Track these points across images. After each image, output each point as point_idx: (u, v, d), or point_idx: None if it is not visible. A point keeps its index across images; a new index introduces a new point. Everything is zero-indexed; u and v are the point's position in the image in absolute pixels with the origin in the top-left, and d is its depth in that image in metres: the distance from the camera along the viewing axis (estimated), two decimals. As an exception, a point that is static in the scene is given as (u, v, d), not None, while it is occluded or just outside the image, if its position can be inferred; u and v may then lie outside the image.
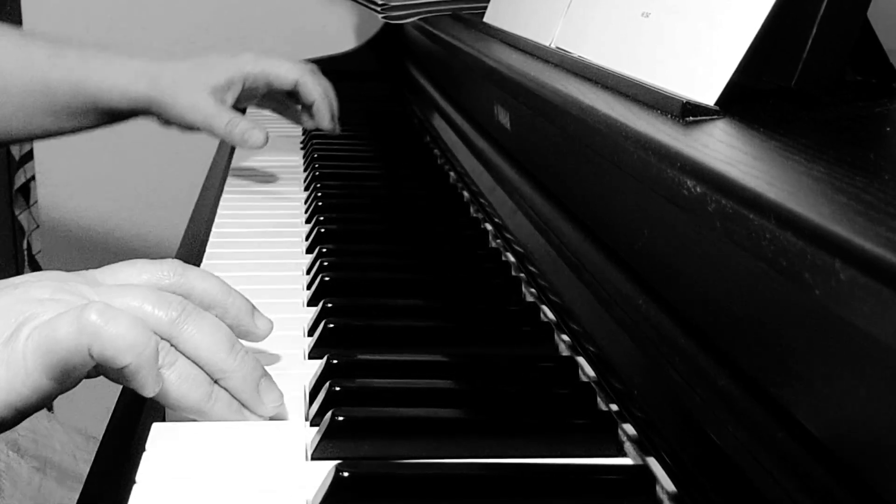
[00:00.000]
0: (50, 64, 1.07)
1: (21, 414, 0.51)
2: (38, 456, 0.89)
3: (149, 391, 0.51)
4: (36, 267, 1.94)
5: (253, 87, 1.12)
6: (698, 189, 0.45)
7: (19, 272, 2.18)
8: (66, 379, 0.51)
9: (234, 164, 1.19)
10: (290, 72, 1.13)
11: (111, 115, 1.11)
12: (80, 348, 0.49)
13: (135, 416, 0.60)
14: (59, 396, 0.53)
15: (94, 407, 0.59)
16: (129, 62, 1.08)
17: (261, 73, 1.11)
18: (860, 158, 0.48)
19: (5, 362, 0.49)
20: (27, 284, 0.54)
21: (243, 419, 0.54)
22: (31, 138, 1.21)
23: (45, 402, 0.51)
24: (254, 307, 0.60)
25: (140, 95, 1.07)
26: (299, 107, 1.18)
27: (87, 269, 0.58)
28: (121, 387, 0.55)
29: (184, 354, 0.53)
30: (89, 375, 0.52)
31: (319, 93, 1.14)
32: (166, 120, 1.10)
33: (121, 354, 0.49)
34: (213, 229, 0.94)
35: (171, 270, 0.57)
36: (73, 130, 1.12)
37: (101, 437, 0.60)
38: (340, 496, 0.47)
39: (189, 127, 1.08)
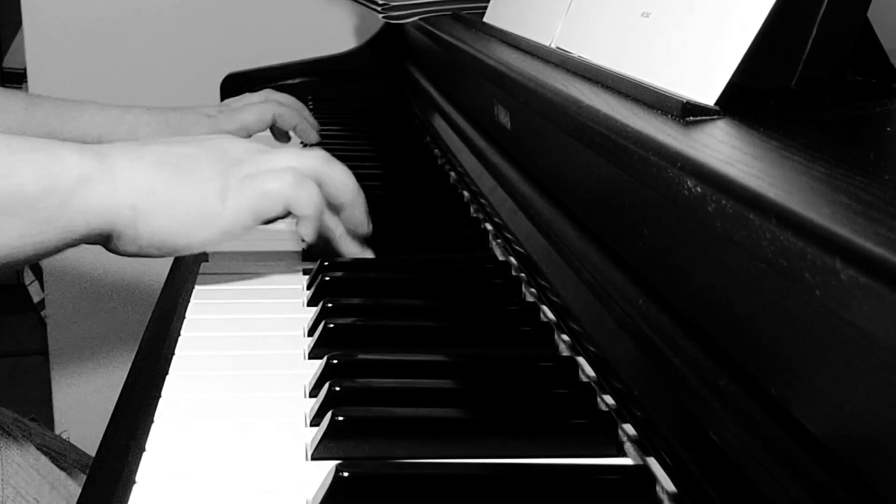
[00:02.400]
0: (27, 115, 1.10)
1: (228, 238, 0.71)
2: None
3: (308, 236, 0.75)
4: (36, 266, 1.95)
5: None
6: (698, 189, 0.45)
7: (19, 271, 2.18)
8: (262, 218, 0.72)
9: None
10: (264, 113, 1.17)
11: None
12: (280, 199, 0.71)
13: (135, 417, 0.60)
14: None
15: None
16: (95, 109, 1.12)
17: (241, 129, 1.15)
18: (860, 158, 0.48)
19: (223, 202, 0.70)
20: (224, 145, 0.73)
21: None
22: None
23: (243, 233, 0.71)
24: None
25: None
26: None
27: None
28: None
29: (328, 184, 0.75)
30: (273, 220, 0.73)
31: (296, 117, 1.20)
32: None
33: (305, 209, 0.72)
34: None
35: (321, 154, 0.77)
36: None
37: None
38: (340, 496, 0.47)
39: None
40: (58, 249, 0.67)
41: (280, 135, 1.23)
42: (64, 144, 0.68)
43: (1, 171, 0.63)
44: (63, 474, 0.88)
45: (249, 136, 1.17)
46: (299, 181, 0.71)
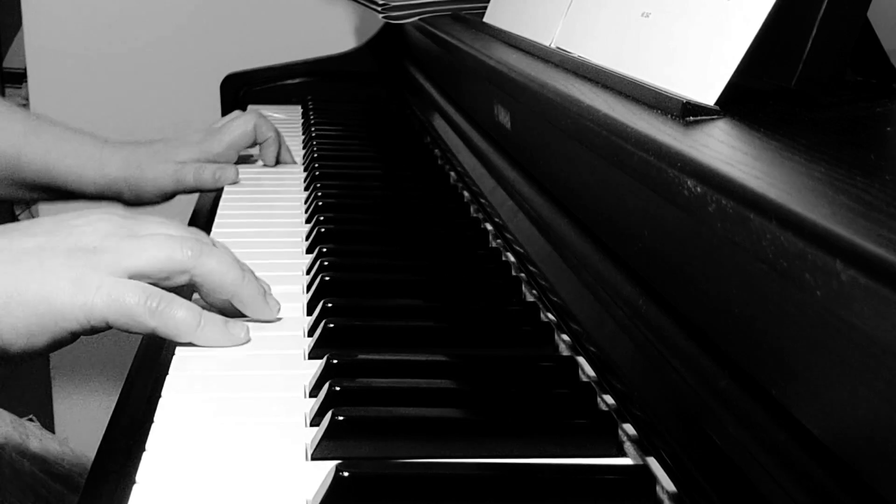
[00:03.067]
0: (24, 140, 1.11)
1: (76, 337, 0.62)
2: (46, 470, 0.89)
3: (220, 344, 0.64)
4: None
5: (226, 161, 1.17)
6: (698, 189, 0.45)
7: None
8: (124, 330, 0.62)
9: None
10: (246, 125, 1.18)
11: (77, 196, 1.15)
12: (144, 324, 0.61)
13: (135, 417, 0.60)
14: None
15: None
16: (99, 149, 1.12)
17: (228, 148, 1.16)
18: (860, 159, 0.48)
19: (72, 298, 0.60)
20: (78, 230, 0.64)
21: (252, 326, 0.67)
22: None
23: (100, 331, 0.62)
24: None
25: (112, 178, 1.12)
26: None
27: None
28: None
29: (205, 282, 0.65)
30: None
31: (271, 130, 1.20)
32: (134, 197, 1.13)
33: (181, 335, 0.62)
34: (214, 229, 0.94)
35: (193, 233, 0.68)
36: (35, 201, 1.16)
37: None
38: (340, 496, 0.47)
39: (162, 195, 1.13)
40: None
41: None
42: None
43: None
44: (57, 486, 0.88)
45: (237, 153, 1.18)
46: (166, 305, 0.62)
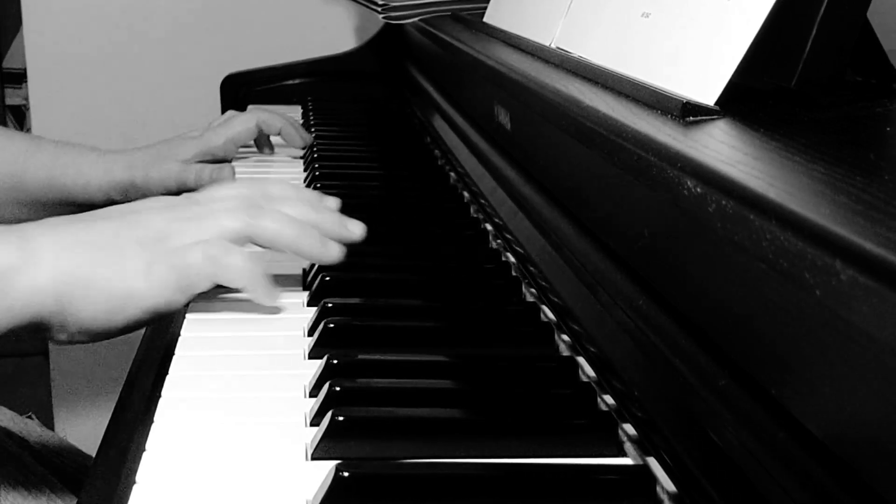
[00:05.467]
0: (26, 157, 1.11)
1: (156, 317, 0.67)
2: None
3: (265, 301, 0.70)
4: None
5: (225, 156, 1.18)
6: (698, 189, 0.45)
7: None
8: (190, 294, 0.67)
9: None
10: (248, 122, 1.19)
11: (82, 208, 1.14)
12: (206, 275, 0.67)
13: (135, 417, 0.60)
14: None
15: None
16: (96, 155, 1.13)
17: (228, 142, 1.17)
18: (860, 159, 0.48)
19: (147, 281, 0.65)
20: (143, 218, 0.69)
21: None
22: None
23: (174, 310, 0.68)
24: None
25: (118, 181, 1.13)
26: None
27: None
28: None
29: (262, 241, 0.70)
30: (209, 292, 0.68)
31: (280, 120, 1.22)
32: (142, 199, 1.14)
33: (236, 281, 0.68)
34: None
35: (248, 207, 0.71)
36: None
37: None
38: (340, 496, 0.47)
39: (168, 194, 1.12)
40: None
41: (264, 145, 1.25)
42: None
43: None
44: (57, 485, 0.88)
45: (237, 148, 1.19)
46: (225, 251, 0.67)
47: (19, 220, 1.14)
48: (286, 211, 0.72)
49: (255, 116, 1.21)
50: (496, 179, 0.90)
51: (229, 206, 0.71)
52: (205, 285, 0.67)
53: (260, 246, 0.71)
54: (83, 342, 0.67)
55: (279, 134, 1.23)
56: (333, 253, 0.72)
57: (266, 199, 0.72)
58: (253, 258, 0.69)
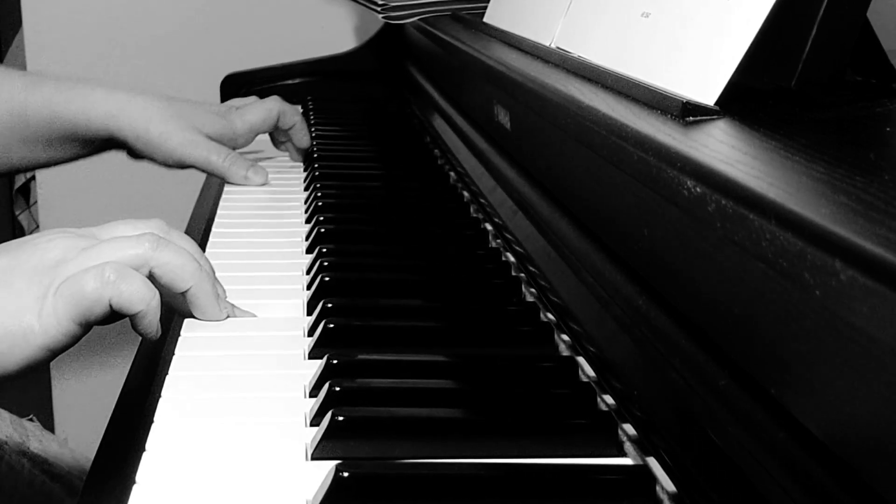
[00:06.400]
0: (27, 93, 1.09)
1: (54, 354, 0.63)
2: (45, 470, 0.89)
3: (152, 333, 0.64)
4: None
5: (243, 144, 1.16)
6: (698, 189, 0.45)
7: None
8: (89, 324, 0.62)
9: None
10: (270, 111, 1.17)
11: (86, 145, 1.13)
12: (102, 300, 0.61)
13: (135, 417, 0.60)
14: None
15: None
16: (104, 91, 1.10)
17: (249, 129, 1.15)
18: (860, 158, 0.48)
19: (38, 314, 0.61)
20: (41, 248, 0.64)
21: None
22: (9, 171, 1.23)
23: (72, 343, 0.63)
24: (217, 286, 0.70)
25: (110, 121, 1.09)
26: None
27: None
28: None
29: (163, 273, 0.65)
30: (102, 322, 0.63)
31: (297, 115, 1.20)
32: (137, 152, 1.11)
33: (134, 305, 0.62)
34: (213, 229, 0.94)
35: (157, 228, 0.69)
36: (48, 163, 1.15)
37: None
38: (340, 496, 0.47)
39: (178, 164, 1.10)
40: None
41: (279, 140, 1.23)
42: None
43: None
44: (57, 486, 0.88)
45: (255, 137, 1.17)
46: (121, 276, 0.61)
47: (23, 162, 1.13)
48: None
49: (278, 106, 1.18)
50: (496, 179, 0.90)
51: (132, 239, 0.65)
52: (102, 311, 0.61)
53: (159, 281, 0.65)
54: None
55: (291, 128, 1.20)
56: (223, 314, 0.68)
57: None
58: (151, 285, 0.63)
